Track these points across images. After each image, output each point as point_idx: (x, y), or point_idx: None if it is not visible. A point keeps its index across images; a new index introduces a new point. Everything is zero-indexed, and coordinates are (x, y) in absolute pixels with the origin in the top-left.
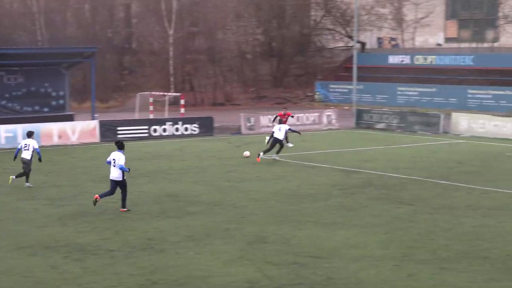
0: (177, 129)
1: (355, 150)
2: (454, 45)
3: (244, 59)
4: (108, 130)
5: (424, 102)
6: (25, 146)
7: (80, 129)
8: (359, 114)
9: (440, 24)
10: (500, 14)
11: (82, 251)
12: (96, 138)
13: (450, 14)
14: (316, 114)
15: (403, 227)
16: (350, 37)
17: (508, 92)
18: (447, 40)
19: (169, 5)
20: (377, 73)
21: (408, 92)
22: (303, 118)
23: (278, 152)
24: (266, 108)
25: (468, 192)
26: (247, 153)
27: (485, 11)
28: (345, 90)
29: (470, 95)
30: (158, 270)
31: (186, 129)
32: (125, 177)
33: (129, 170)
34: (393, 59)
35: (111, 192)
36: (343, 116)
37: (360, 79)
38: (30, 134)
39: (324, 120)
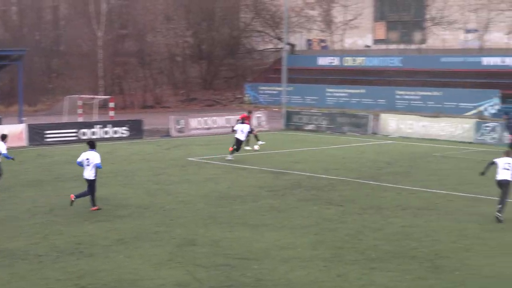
0: (106, 132)
1: (285, 152)
2: (383, 46)
3: (174, 61)
4: (36, 134)
5: (353, 103)
6: None
7: (7, 133)
8: (289, 116)
9: (368, 26)
10: (427, 16)
11: (11, 257)
12: (24, 141)
13: (379, 16)
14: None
15: (332, 228)
16: (280, 39)
17: (435, 93)
18: (376, 41)
19: (98, 7)
20: (306, 74)
21: (337, 93)
22: (232, 120)
23: (232, 153)
24: (196, 110)
25: (397, 192)
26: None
27: (413, 13)
28: (275, 92)
29: (398, 96)
30: (87, 274)
31: (115, 132)
32: (96, 177)
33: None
34: (323, 61)
35: (88, 192)
36: (272, 117)
37: (289, 80)
38: None
39: (254, 122)
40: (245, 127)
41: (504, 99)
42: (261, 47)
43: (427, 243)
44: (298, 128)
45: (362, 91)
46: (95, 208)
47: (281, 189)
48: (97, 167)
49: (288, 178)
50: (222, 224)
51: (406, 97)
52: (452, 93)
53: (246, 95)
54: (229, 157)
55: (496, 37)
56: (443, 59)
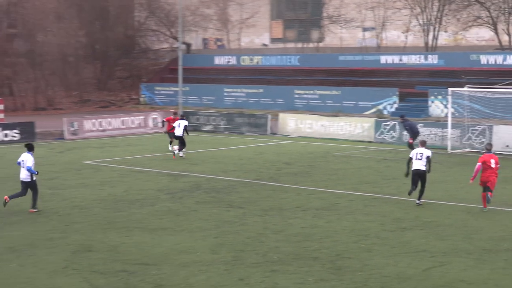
0: None
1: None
2: (280, 45)
3: (67, 62)
4: None
5: (251, 103)
6: None
7: None
8: (186, 117)
9: (265, 24)
10: (325, 14)
11: None
12: None
13: (275, 14)
14: (142, 117)
15: (233, 231)
16: (175, 38)
17: (334, 92)
18: (273, 40)
19: None
20: (203, 74)
21: (235, 93)
22: (128, 121)
23: (180, 150)
24: (90, 112)
25: (297, 193)
26: None
27: (310, 12)
28: (171, 92)
29: (297, 96)
30: None
31: (5, 135)
32: (34, 178)
33: (37, 173)
34: (219, 60)
35: (23, 193)
36: None
37: (186, 80)
38: None
39: (150, 123)
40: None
41: (402, 97)
42: (156, 47)
43: (329, 244)
44: (196, 129)
45: (260, 90)
46: (34, 210)
47: (180, 192)
48: (29, 171)
49: (186, 181)
50: (120, 229)
51: (305, 96)
52: (351, 92)
53: (142, 95)
54: (180, 153)
55: (393, 35)
56: (341, 58)
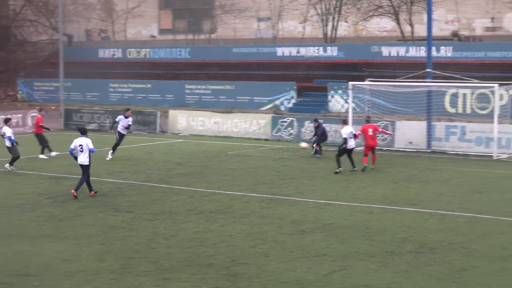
0: None
1: (64, 154)
2: (170, 37)
3: None
4: None
5: (139, 99)
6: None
7: None
8: (68, 114)
9: (153, 14)
10: (217, 3)
11: None
12: None
13: (164, 3)
14: (20, 115)
15: (121, 237)
16: (55, 29)
17: (227, 87)
18: (162, 31)
19: None
20: (86, 68)
21: (121, 88)
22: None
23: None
24: None
25: (189, 195)
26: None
27: (201, 1)
28: (52, 88)
29: (188, 91)
30: None
31: None
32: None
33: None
34: (104, 53)
35: (86, 178)
36: (50, 116)
37: (68, 75)
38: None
39: (29, 122)
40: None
41: (300, 92)
42: (34, 39)
43: (224, 249)
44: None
45: (148, 86)
46: (93, 193)
47: (62, 196)
48: (91, 152)
49: (70, 184)
50: None
51: (197, 91)
52: (245, 86)
53: (19, 92)
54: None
55: (290, 26)
56: (235, 50)
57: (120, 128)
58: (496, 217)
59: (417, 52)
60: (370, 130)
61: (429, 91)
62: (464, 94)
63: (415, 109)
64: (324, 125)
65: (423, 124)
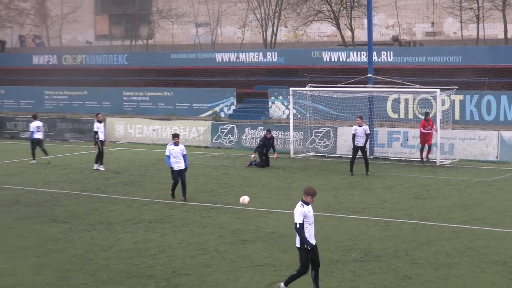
0: None
1: None
2: (106, 43)
3: None
4: None
5: (75, 106)
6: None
7: None
8: (2, 123)
9: (89, 20)
10: (154, 8)
11: None
12: None
13: (100, 8)
14: None
15: (58, 248)
16: None
17: (166, 94)
18: (98, 37)
19: None
20: (20, 75)
21: (57, 96)
22: None
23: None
24: None
25: (127, 204)
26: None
27: (138, 6)
28: None
29: (125, 98)
30: None
31: None
32: None
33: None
34: (38, 60)
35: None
36: None
37: (1, 82)
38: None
39: None
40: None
41: (240, 98)
42: None
43: (163, 260)
44: (14, 137)
45: (85, 93)
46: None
47: None
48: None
49: (3, 194)
50: None
51: (134, 98)
52: (184, 93)
53: None
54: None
55: (229, 31)
56: (173, 56)
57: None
58: (440, 224)
59: (358, 57)
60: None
61: (371, 97)
62: (406, 100)
63: (357, 115)
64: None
65: (361, 130)
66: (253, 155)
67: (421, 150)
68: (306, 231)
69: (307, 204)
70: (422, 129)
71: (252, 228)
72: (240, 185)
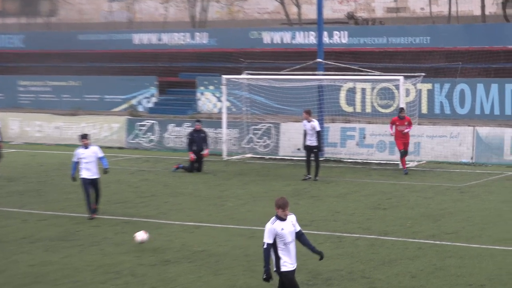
0: None
1: None
2: None
3: None
4: None
5: None
6: None
7: None
8: None
9: None
10: None
11: None
12: None
13: None
14: None
15: None
16: None
17: (72, 83)
18: None
19: None
20: None
21: None
22: None
23: None
24: None
25: (23, 219)
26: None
27: None
28: None
29: (22, 88)
30: None
31: None
32: None
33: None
34: None
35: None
36: None
37: None
38: None
39: None
40: None
41: (163, 88)
42: None
43: (68, 286)
44: None
45: None
46: None
47: None
48: None
49: None
50: None
51: (33, 89)
52: (94, 82)
53: None
54: None
55: (149, 7)
56: (82, 37)
57: None
58: (404, 239)
59: (306, 38)
60: None
61: (321, 86)
62: (363, 89)
63: (304, 108)
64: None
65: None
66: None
67: (402, 157)
68: (280, 253)
69: (282, 219)
70: (390, 129)
71: (176, 246)
72: (162, 194)
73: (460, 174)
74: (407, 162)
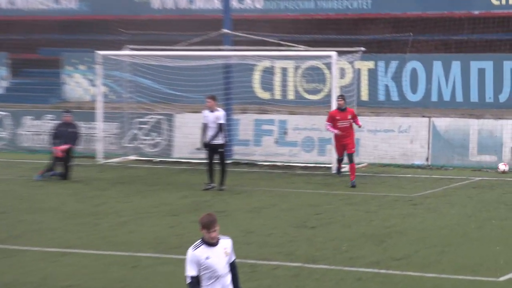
0: None
1: None
2: None
3: None
4: None
5: None
6: None
7: None
8: None
9: None
10: None
11: None
12: None
13: None
14: None
15: None
16: None
17: None
18: None
19: None
20: None
21: None
22: None
23: None
24: None
25: None
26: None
27: None
28: None
29: None
30: None
31: None
32: None
33: None
34: None
35: None
36: None
37: None
38: None
39: None
40: None
41: (16, 69)
42: None
43: None
44: None
45: None
46: None
47: None
48: None
49: None
50: None
51: None
52: None
53: None
54: None
55: None
56: None
57: None
58: (338, 267)
59: (207, 2)
60: None
61: (228, 65)
62: (284, 69)
63: (206, 95)
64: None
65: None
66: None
67: (339, 161)
68: None
69: (210, 244)
70: (330, 127)
71: (35, 280)
72: (16, 210)
73: (412, 181)
74: (342, 166)
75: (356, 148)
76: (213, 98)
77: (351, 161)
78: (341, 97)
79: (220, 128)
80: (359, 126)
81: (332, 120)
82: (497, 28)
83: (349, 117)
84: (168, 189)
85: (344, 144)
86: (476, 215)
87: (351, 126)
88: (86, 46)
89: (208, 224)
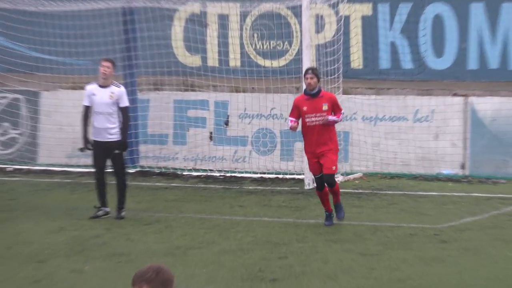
0: None
1: None
2: None
3: None
4: None
5: None
6: None
7: None
8: None
9: None
10: None
11: None
12: None
13: None
14: None
15: None
16: None
17: None
18: None
19: None
20: None
21: None
22: None
23: None
24: None
25: None
26: None
27: None
28: None
29: None
30: None
31: None
32: None
33: None
34: None
35: None
36: None
37: None
38: None
39: None
40: None
41: None
42: None
43: None
44: None
45: None
46: None
47: None
48: None
49: None
50: None
51: None
52: None
53: None
54: None
55: None
56: None
57: None
58: None
59: None
60: None
61: (130, 12)
62: (223, 17)
63: (94, 59)
64: None
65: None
66: None
67: (317, 181)
68: None
69: None
70: (291, 123)
71: None
72: None
73: (438, 202)
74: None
75: (345, 149)
76: (109, 61)
77: (330, 184)
78: (311, 72)
79: (118, 115)
80: (336, 121)
81: (297, 113)
82: None
83: (325, 107)
84: (31, 217)
85: (318, 155)
86: None
87: (324, 120)
88: None
89: (133, 282)
